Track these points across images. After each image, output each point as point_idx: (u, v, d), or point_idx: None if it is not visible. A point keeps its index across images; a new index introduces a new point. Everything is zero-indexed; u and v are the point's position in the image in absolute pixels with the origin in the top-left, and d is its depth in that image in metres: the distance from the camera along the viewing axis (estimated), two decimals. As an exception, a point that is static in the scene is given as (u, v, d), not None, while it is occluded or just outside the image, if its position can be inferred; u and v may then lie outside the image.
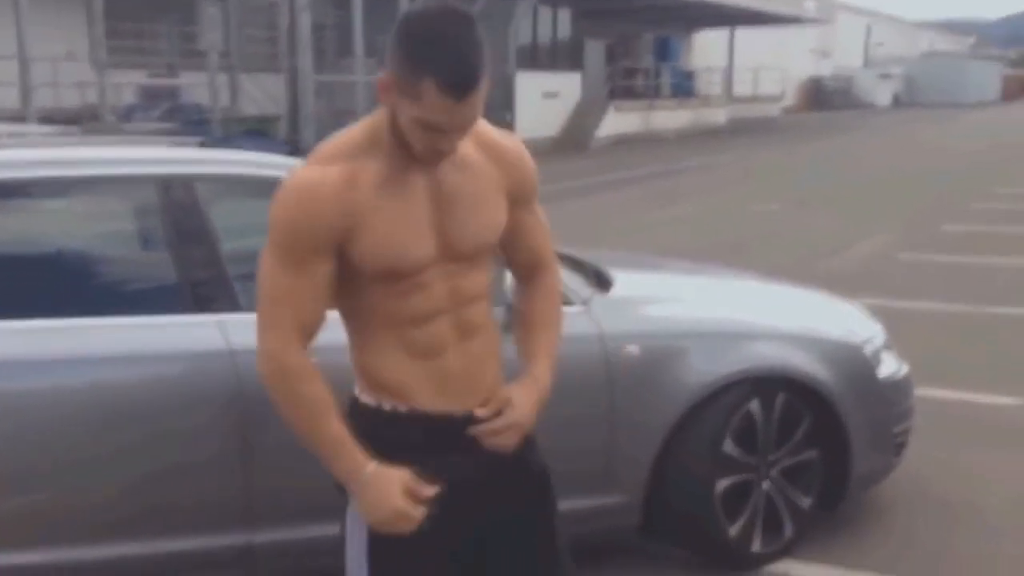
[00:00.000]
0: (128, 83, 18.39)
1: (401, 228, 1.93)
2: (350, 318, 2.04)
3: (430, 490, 1.96)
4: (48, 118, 15.46)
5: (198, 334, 2.88)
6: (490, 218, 2.05)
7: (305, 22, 18.63)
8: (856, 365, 3.69)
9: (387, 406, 2.02)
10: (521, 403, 2.07)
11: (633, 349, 3.30)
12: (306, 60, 18.87)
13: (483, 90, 1.84)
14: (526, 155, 2.15)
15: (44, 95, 16.46)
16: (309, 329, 1.96)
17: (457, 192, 2.00)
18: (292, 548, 2.98)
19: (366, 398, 2.04)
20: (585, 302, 3.34)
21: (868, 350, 3.75)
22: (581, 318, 3.27)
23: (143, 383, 2.84)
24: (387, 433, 2.01)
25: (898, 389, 3.84)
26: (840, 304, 4.17)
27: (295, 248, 1.91)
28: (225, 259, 2.99)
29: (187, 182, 3.00)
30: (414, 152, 1.91)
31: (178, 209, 2.97)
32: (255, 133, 3.96)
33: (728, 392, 3.41)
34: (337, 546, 2.12)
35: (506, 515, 2.12)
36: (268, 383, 1.97)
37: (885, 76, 55.94)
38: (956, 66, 59.54)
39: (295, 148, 2.99)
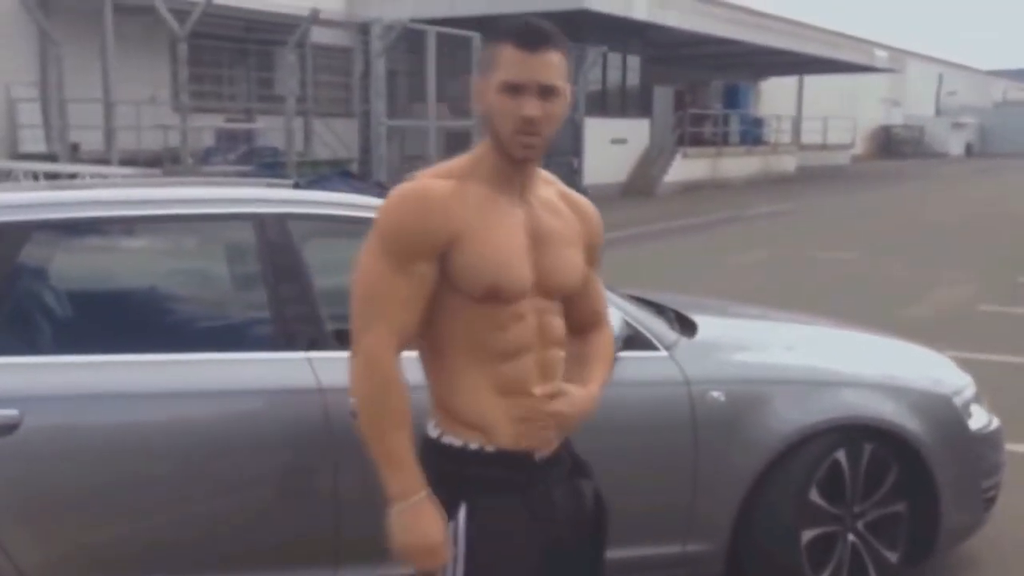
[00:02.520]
0: (206, 127, 18.86)
1: (504, 248, 2.01)
2: (435, 353, 2.08)
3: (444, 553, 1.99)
4: (130, 160, 15.96)
5: (288, 371, 2.93)
6: (576, 261, 2.16)
7: (379, 68, 18.99)
8: (946, 416, 3.61)
9: (474, 445, 2.05)
10: (572, 394, 2.09)
11: (718, 395, 3.27)
12: (379, 105, 19.20)
13: (559, 57, 1.98)
14: (598, 217, 2.28)
15: (126, 137, 16.95)
16: (404, 337, 2.01)
17: (550, 229, 2.10)
18: (376, 586, 2.99)
19: (450, 439, 2.07)
20: (669, 347, 3.32)
21: (958, 401, 3.67)
22: (666, 363, 3.26)
23: (233, 418, 2.88)
24: (475, 472, 2.05)
25: (988, 442, 3.75)
26: (928, 353, 4.10)
27: (400, 249, 1.98)
28: (317, 297, 3.04)
29: (281, 221, 3.06)
30: (505, 141, 2.00)
31: (273, 247, 3.04)
32: (347, 174, 4.02)
33: (815, 441, 3.36)
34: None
35: (570, 544, 2.16)
36: (358, 380, 2.01)
37: (957, 125, 55.12)
38: (1031, 115, 58.44)
39: (385, 189, 3.04)
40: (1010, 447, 4.02)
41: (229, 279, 3.22)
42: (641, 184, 25.27)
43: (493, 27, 2.08)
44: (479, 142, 2.12)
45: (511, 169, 2.05)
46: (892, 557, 3.54)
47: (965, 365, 4.12)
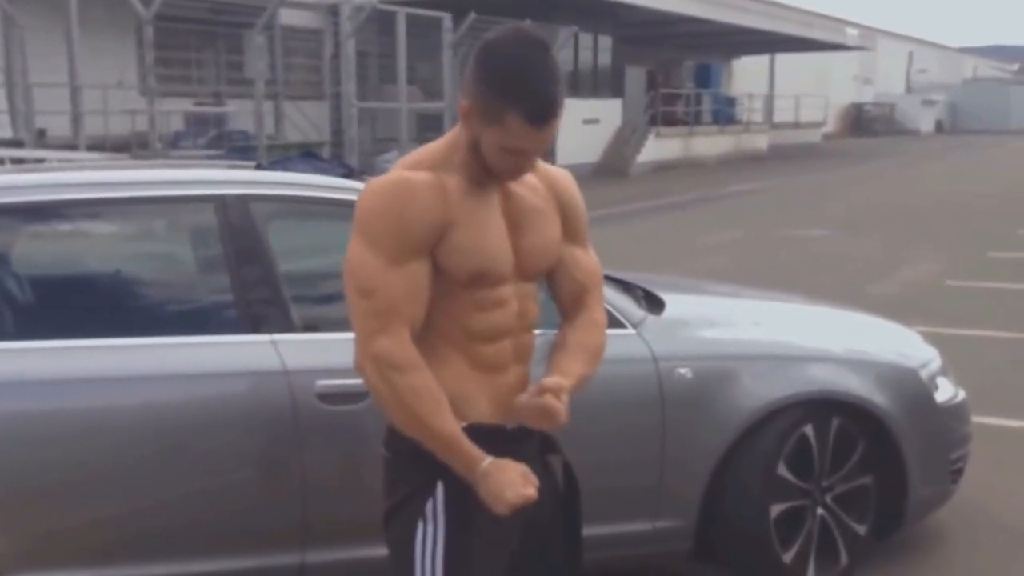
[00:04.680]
0: (176, 111, 18.65)
1: (487, 235, 2.02)
2: (419, 333, 2.04)
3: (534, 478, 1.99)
4: (97, 145, 15.77)
5: (253, 354, 2.90)
6: (552, 236, 2.15)
7: (349, 50, 18.86)
8: (912, 389, 3.63)
9: None
10: (554, 379, 2.04)
11: (686, 372, 3.27)
12: (349, 87, 19.08)
13: (562, 114, 1.94)
14: (574, 184, 2.26)
15: (94, 123, 16.73)
16: (414, 324, 1.99)
17: (525, 207, 2.11)
18: (346, 569, 2.98)
19: None
20: (637, 324, 3.32)
21: (924, 374, 3.69)
22: (633, 340, 3.26)
23: (197, 402, 2.85)
24: None
25: (955, 415, 3.78)
26: (895, 327, 4.12)
27: (400, 245, 1.95)
28: (281, 279, 3.01)
29: (244, 202, 3.03)
30: (494, 172, 2.01)
31: (235, 229, 3.00)
32: (310, 155, 3.96)
33: (782, 416, 3.37)
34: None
35: (545, 520, 2.18)
36: (380, 384, 1.97)
37: (928, 102, 55.44)
38: (999, 92, 58.91)
39: (350, 170, 3.01)
40: (977, 419, 4.05)
41: (192, 262, 3.18)
42: (614, 164, 25.28)
43: (505, 68, 1.91)
44: (452, 127, 2.11)
45: (489, 173, 2.04)
46: (861, 530, 3.56)
47: (932, 339, 4.15)
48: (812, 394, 3.43)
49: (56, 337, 2.83)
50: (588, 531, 3.21)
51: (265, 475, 2.91)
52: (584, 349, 2.17)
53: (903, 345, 3.89)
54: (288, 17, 20.41)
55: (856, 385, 3.50)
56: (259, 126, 17.83)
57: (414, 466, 2.05)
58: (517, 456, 2.05)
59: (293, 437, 2.88)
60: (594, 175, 23.94)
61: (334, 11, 19.66)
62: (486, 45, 1.95)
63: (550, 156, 22.26)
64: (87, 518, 2.79)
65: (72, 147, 15.53)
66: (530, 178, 2.13)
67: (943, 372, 3.82)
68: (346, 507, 2.91)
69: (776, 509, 3.38)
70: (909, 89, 58.67)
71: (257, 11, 17.62)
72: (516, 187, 2.10)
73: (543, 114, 1.91)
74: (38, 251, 3.05)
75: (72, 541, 2.79)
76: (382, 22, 19.63)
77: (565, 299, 2.23)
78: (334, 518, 2.94)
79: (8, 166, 12.83)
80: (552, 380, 2.02)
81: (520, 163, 1.99)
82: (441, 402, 1.98)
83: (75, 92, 16.19)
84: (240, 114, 19.10)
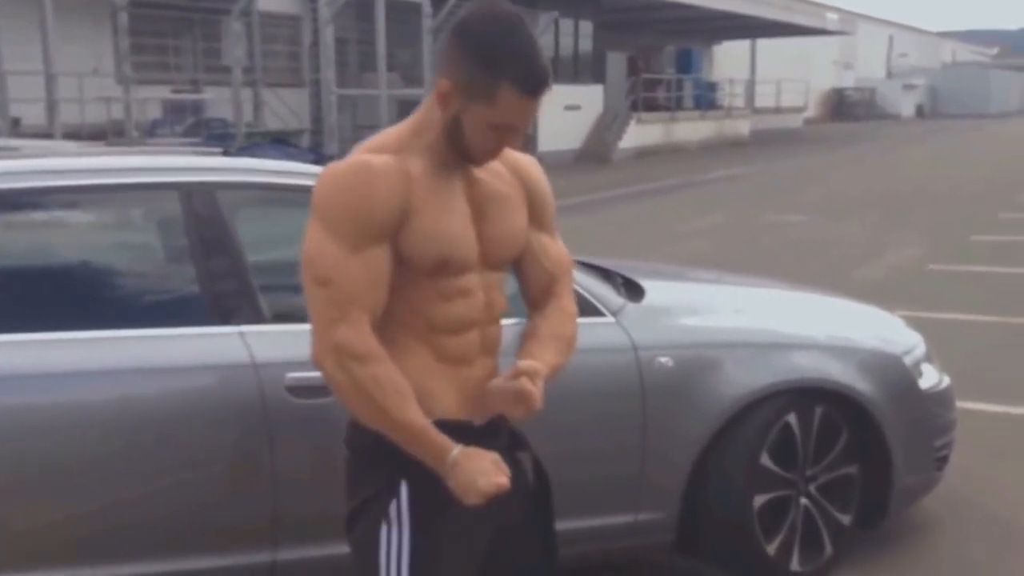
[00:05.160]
0: (153, 98, 18.44)
1: (450, 221, 1.94)
2: (379, 324, 1.95)
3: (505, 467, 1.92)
4: (73, 134, 15.55)
5: (220, 346, 2.81)
6: (517, 223, 2.08)
7: (328, 36, 18.71)
8: (896, 376, 3.57)
9: None
10: (529, 362, 1.96)
11: (666, 360, 3.20)
12: (329, 74, 18.95)
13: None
14: (541, 171, 2.18)
15: (69, 111, 16.52)
16: (374, 312, 1.91)
17: (490, 194, 2.03)
18: (316, 566, 2.89)
19: None
20: (616, 312, 3.24)
21: (908, 360, 3.64)
22: (612, 329, 3.18)
23: (163, 396, 2.76)
24: None
25: (940, 401, 3.72)
26: (878, 313, 4.06)
27: (360, 231, 1.87)
28: (249, 269, 2.91)
29: (209, 190, 2.93)
30: (473, 154, 1.94)
31: (200, 218, 2.90)
32: (280, 141, 3.87)
33: (764, 404, 3.30)
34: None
35: (516, 519, 2.10)
36: (339, 375, 1.88)
37: (908, 87, 55.58)
38: (979, 76, 59.18)
39: (320, 156, 2.92)
40: (962, 404, 4.01)
41: (157, 252, 3.07)
42: (596, 150, 25.20)
43: (491, 38, 1.86)
44: (417, 111, 2.02)
45: (459, 155, 1.96)
46: (845, 520, 3.51)
47: (914, 323, 4.10)
48: (795, 382, 3.36)
49: (13, 331, 2.72)
50: (568, 524, 3.15)
51: (234, 471, 2.81)
52: (556, 338, 2.09)
53: (886, 331, 3.83)
54: (266, 3, 20.21)
55: (839, 372, 3.44)
56: (237, 114, 17.68)
57: (376, 465, 1.97)
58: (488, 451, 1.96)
59: (262, 432, 2.79)
60: (576, 161, 23.87)
61: (313, -3, 19.47)
62: (465, 22, 1.90)
63: (531, 143, 22.24)
64: (50, 517, 2.69)
65: (47, 136, 15.32)
66: (495, 164, 2.05)
67: (927, 358, 3.76)
68: (318, 503, 2.81)
69: (759, 500, 3.32)
70: (889, 74, 58.80)
71: (234, -3, 17.43)
72: (480, 173, 2.02)
73: (538, 83, 1.87)
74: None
75: (34, 540, 2.69)
76: (361, 8, 19.47)
77: (534, 289, 2.15)
78: (305, 515, 2.86)
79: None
80: (527, 363, 1.94)
81: (505, 140, 1.94)
82: (405, 392, 1.89)
83: (50, 80, 15.97)
84: (218, 101, 18.94)
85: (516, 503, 2.04)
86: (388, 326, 1.94)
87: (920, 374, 3.65)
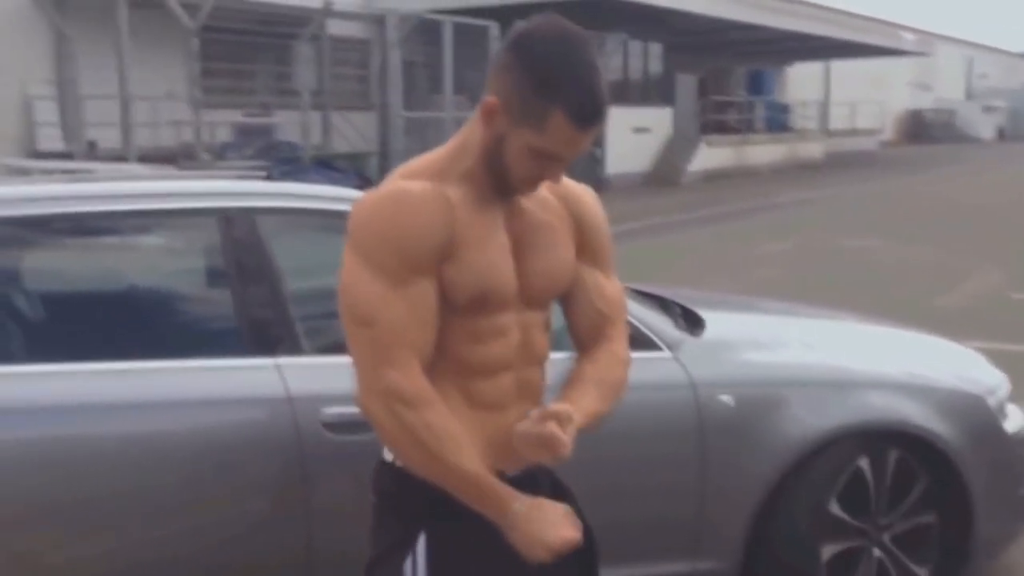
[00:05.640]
0: (224, 122, 18.69)
1: (492, 252, 1.80)
2: None
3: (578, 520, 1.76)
4: (147, 156, 15.81)
5: (256, 379, 2.69)
6: (563, 258, 1.89)
7: (395, 60, 18.81)
8: (979, 418, 3.32)
9: None
10: (561, 405, 1.78)
11: (727, 399, 3.00)
12: (396, 97, 19.03)
13: (604, 119, 1.73)
14: (596, 201, 1.99)
15: (143, 134, 16.82)
16: (424, 352, 1.75)
17: (533, 225, 1.86)
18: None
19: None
20: (673, 347, 3.05)
21: (992, 401, 3.38)
22: (669, 364, 3.00)
23: (194, 430, 2.65)
24: (436, 496, 1.78)
25: (1026, 445, 3.45)
26: (959, 349, 3.80)
27: (402, 264, 1.71)
28: (288, 298, 2.79)
29: (249, 216, 2.82)
30: (512, 181, 1.77)
31: (239, 245, 2.80)
32: (324, 165, 3.80)
33: (834, 448, 3.08)
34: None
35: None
36: (389, 422, 1.72)
37: (988, 109, 54.17)
38: (1063, 98, 57.43)
39: (365, 181, 2.85)
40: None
41: (192, 280, 2.98)
42: (665, 173, 24.91)
43: (551, 62, 1.70)
44: (457, 135, 1.86)
45: (499, 182, 1.80)
46: (921, 573, 3.25)
47: (997, 357, 3.83)
48: (867, 424, 3.14)
49: (48, 361, 2.65)
50: (621, 571, 2.98)
51: (267, 508, 2.69)
52: (601, 384, 1.89)
53: (968, 369, 3.57)
54: (335, 27, 20.39)
55: (916, 414, 3.19)
56: (306, 137, 17.82)
57: (396, 513, 1.82)
58: None
59: (297, 468, 2.66)
60: (644, 184, 23.62)
61: (381, 21, 19.58)
62: (526, 35, 1.72)
63: (599, 165, 22.09)
64: (71, 554, 2.59)
65: (122, 158, 15.60)
66: (542, 192, 1.87)
67: (1012, 398, 3.49)
68: (353, 542, 2.66)
69: (828, 550, 3.09)
70: (969, 95, 57.45)
71: (304, 21, 17.61)
72: (524, 201, 1.84)
73: (592, 113, 1.70)
74: (29, 268, 2.86)
75: (70, 573, 2.59)
76: (429, 31, 19.54)
77: (584, 330, 1.96)
78: (340, 554, 2.70)
79: (69, 176, 12.87)
80: (557, 407, 1.76)
81: (548, 170, 1.77)
82: (460, 438, 1.74)
83: (125, 104, 16.27)
84: (288, 125, 19.12)
85: (553, 565, 1.84)
86: None
87: (1005, 416, 3.40)
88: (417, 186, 1.75)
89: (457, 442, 1.73)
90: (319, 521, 2.70)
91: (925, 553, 3.26)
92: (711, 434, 2.98)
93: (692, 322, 3.35)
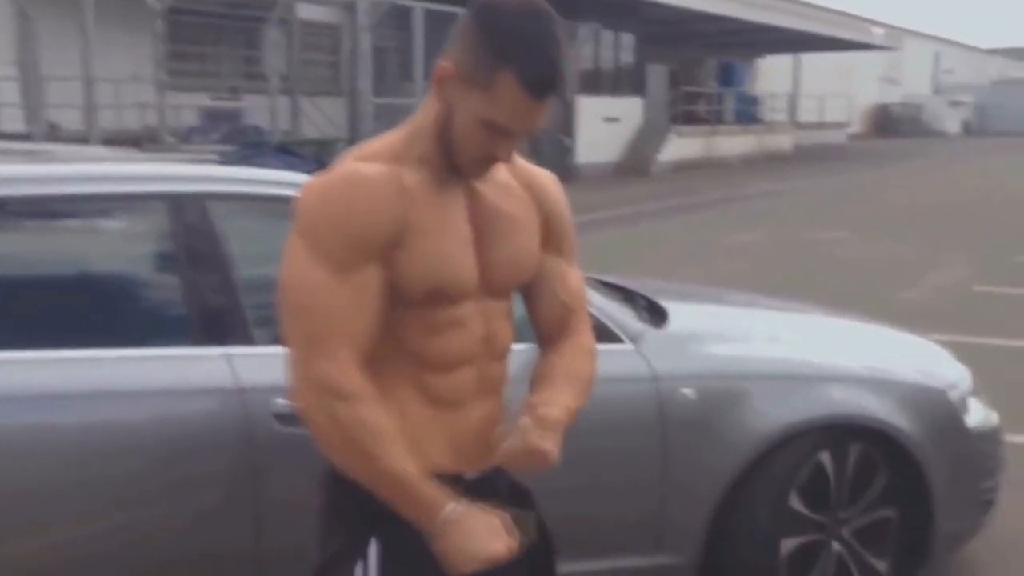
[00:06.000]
0: (190, 105, 18.45)
1: (449, 242, 1.70)
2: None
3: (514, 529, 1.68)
4: (110, 139, 15.57)
5: (204, 369, 2.61)
6: (526, 245, 1.80)
7: (366, 45, 18.64)
8: (940, 412, 3.30)
9: None
10: (544, 410, 1.72)
11: (689, 392, 2.96)
12: (366, 83, 18.86)
13: (561, 96, 1.62)
14: (560, 189, 1.89)
15: (107, 116, 16.57)
16: (362, 347, 1.65)
17: (494, 212, 1.76)
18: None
19: None
20: (635, 339, 3.01)
21: (954, 395, 3.36)
22: (631, 357, 2.95)
23: (141, 421, 2.56)
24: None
25: (987, 440, 3.44)
26: (923, 343, 3.78)
27: (349, 249, 1.62)
28: (239, 287, 2.72)
29: (199, 201, 2.74)
30: (460, 160, 1.67)
31: (190, 231, 2.71)
32: (283, 150, 3.74)
33: (795, 442, 3.05)
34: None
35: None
36: (319, 416, 1.64)
37: (955, 104, 54.70)
38: (1028, 94, 58.02)
39: (323, 167, 2.80)
40: (1007, 438, 3.71)
41: (139, 267, 2.87)
42: (635, 163, 24.90)
43: (502, 24, 1.61)
44: (412, 117, 1.76)
45: (455, 165, 1.70)
46: (881, 567, 3.24)
47: (959, 349, 3.82)
48: (829, 418, 3.11)
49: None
50: (582, 566, 2.94)
51: (217, 500, 2.62)
52: (574, 379, 1.82)
53: (930, 363, 3.55)
54: (305, 11, 20.17)
55: (878, 408, 3.17)
56: (274, 122, 17.63)
57: (346, 516, 1.73)
58: None
59: (246, 461, 2.59)
60: (614, 174, 23.61)
61: (351, 6, 19.39)
62: (484, 4, 1.63)
63: (568, 154, 22.01)
64: (26, 544, 2.51)
65: (84, 141, 15.35)
66: (505, 177, 1.78)
67: (974, 393, 3.48)
68: (302, 535, 2.61)
69: (788, 544, 3.06)
70: (936, 90, 57.93)
71: (274, 5, 17.40)
72: (485, 188, 1.75)
73: (542, 80, 1.59)
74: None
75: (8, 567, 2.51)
76: (400, 17, 19.38)
77: (548, 322, 1.88)
78: (289, 550, 2.64)
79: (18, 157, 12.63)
80: (536, 416, 1.68)
81: (497, 147, 1.65)
82: (394, 437, 1.64)
83: (88, 85, 16.01)
84: (256, 109, 18.90)
85: (511, 571, 1.76)
86: (369, 363, 1.69)
87: (967, 410, 3.38)
88: (371, 168, 1.66)
89: (390, 440, 1.64)
90: (269, 512, 2.63)
91: (884, 547, 3.24)
92: (672, 428, 2.94)
93: (655, 314, 3.30)
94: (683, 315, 3.35)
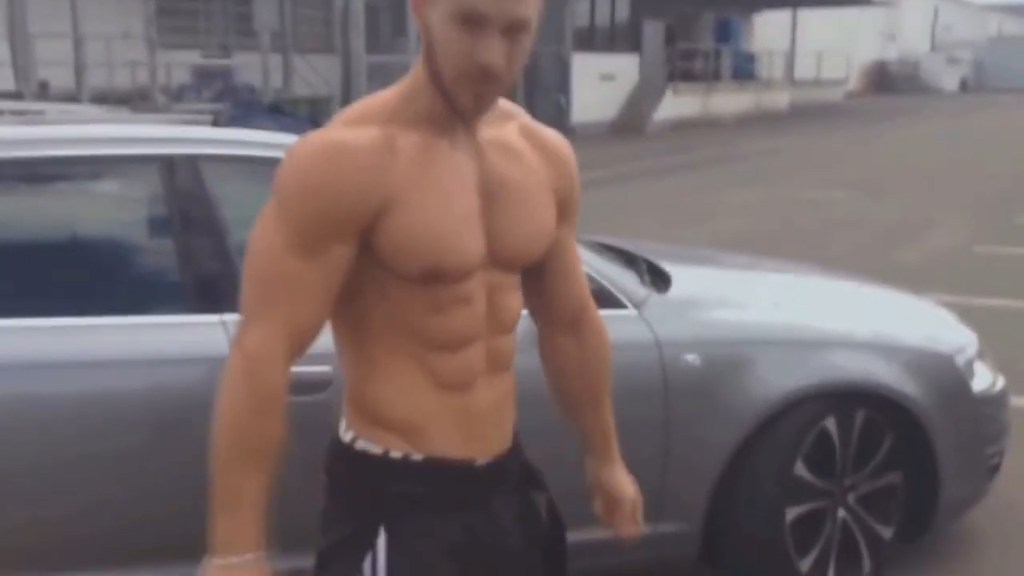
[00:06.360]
0: (181, 63, 18.25)
1: (447, 212, 1.54)
2: (354, 336, 1.61)
3: None
4: (101, 98, 15.41)
5: (200, 336, 2.56)
6: (541, 216, 1.66)
7: (358, 3, 18.39)
8: (946, 377, 3.26)
9: (397, 453, 1.60)
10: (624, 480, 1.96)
11: (693, 359, 2.91)
12: (359, 41, 18.64)
13: None
14: (573, 158, 1.76)
15: (97, 75, 16.39)
16: (301, 337, 1.52)
17: (506, 179, 1.61)
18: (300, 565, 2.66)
19: (365, 444, 1.62)
20: (639, 305, 2.95)
21: (960, 360, 3.32)
22: (634, 323, 2.90)
23: (136, 390, 2.52)
24: (396, 488, 1.61)
25: (993, 405, 3.41)
26: (928, 307, 3.74)
27: (313, 222, 1.48)
28: (235, 252, 2.65)
29: (192, 163, 2.67)
30: (449, 84, 1.50)
31: (182, 194, 2.65)
32: (275, 110, 3.64)
33: (800, 408, 3.01)
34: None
35: (518, 570, 1.73)
36: (230, 386, 1.51)
37: (952, 60, 54.37)
38: (1027, 50, 57.73)
39: (317, 126, 2.74)
40: (1011, 402, 3.66)
41: (132, 232, 2.81)
42: (630, 121, 24.75)
43: None
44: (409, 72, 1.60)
45: (452, 114, 1.55)
46: (886, 533, 3.22)
47: (960, 310, 3.77)
48: (834, 384, 3.07)
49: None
50: (583, 536, 2.90)
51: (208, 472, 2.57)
52: (606, 380, 1.88)
53: (936, 327, 3.51)
54: (297, -33, 19.93)
55: (883, 373, 3.13)
56: (266, 80, 17.46)
57: (352, 501, 1.63)
58: (491, 498, 1.67)
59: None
60: (610, 133, 23.48)
61: (344, -39, 19.15)
62: None
63: (564, 113, 21.86)
64: (22, 515, 2.47)
65: (74, 99, 15.19)
66: (516, 143, 1.64)
67: (980, 357, 3.44)
68: (303, 505, 2.58)
69: (792, 512, 3.03)
70: (934, 47, 57.58)
71: (265, -39, 17.15)
72: (497, 156, 1.60)
73: None
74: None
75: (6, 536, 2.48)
76: (393, -27, 19.15)
77: (569, 302, 1.78)
78: (288, 517, 2.60)
79: (7, 118, 12.51)
80: (621, 492, 1.94)
81: (479, 49, 1.45)
82: (266, 453, 1.52)
83: (78, 43, 15.82)
84: (248, 67, 18.69)
85: (522, 555, 1.70)
86: (367, 344, 1.59)
87: (973, 375, 3.34)
88: (356, 135, 1.51)
89: (265, 454, 1.52)
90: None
91: (889, 514, 3.21)
92: (676, 394, 2.90)
93: (658, 278, 3.25)
94: (686, 280, 3.29)
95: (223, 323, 2.56)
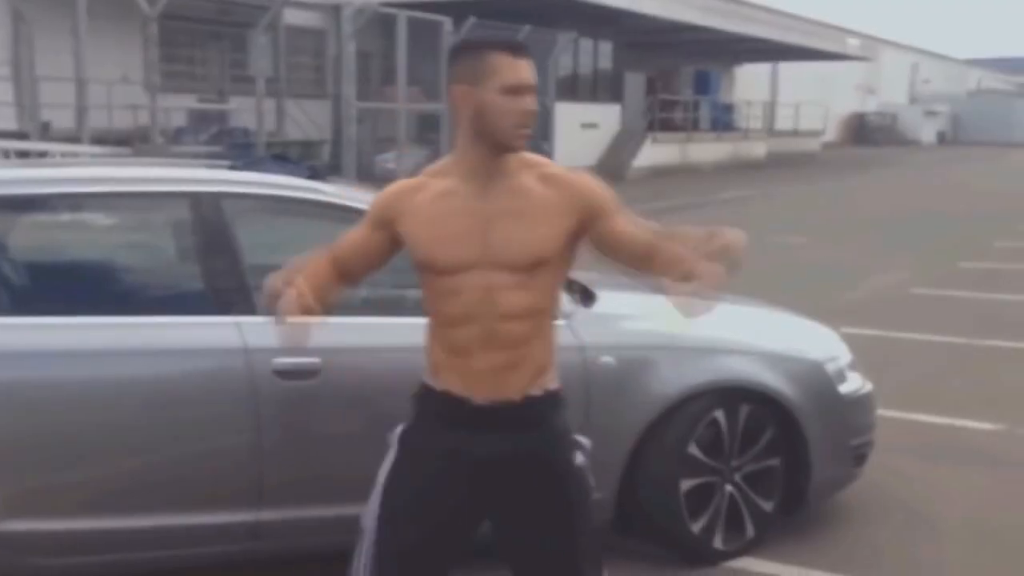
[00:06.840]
0: (179, 107, 19.04)
1: (439, 228, 2.38)
2: (425, 308, 2.51)
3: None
4: (101, 139, 16.13)
5: (218, 333, 3.30)
6: (539, 232, 2.37)
7: (350, 51, 19.22)
8: (817, 381, 4.03)
9: (430, 382, 2.50)
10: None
11: (609, 359, 3.66)
12: (350, 87, 19.43)
13: (527, 55, 2.36)
14: (592, 181, 2.50)
15: (98, 116, 17.10)
16: (340, 261, 2.55)
17: (507, 210, 2.39)
18: (295, 526, 3.37)
19: (424, 377, 2.53)
20: (567, 316, 3.70)
21: (830, 368, 4.08)
22: (563, 331, 3.63)
23: (167, 374, 3.25)
24: (426, 404, 2.52)
25: (858, 404, 4.17)
26: (811, 325, 4.51)
27: (369, 215, 2.55)
28: (246, 269, 3.40)
29: (215, 199, 3.43)
30: (505, 135, 2.34)
31: (206, 223, 3.40)
32: (281, 157, 4.27)
33: (694, 401, 3.76)
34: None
35: (522, 505, 2.48)
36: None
37: (930, 113, 55.64)
38: (1004, 104, 59.05)
39: (314, 172, 3.30)
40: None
41: (167, 251, 3.59)
42: (611, 168, 25.53)
43: (469, 40, 2.55)
44: (450, 127, 2.59)
45: (495, 158, 2.35)
46: (767, 506, 3.95)
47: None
48: (723, 383, 3.83)
49: (46, 314, 3.23)
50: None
51: (227, 442, 3.29)
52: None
53: (814, 341, 4.27)
54: (292, 17, 20.80)
55: (765, 376, 3.89)
56: (260, 124, 18.21)
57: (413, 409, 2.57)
58: (480, 429, 2.43)
59: (251, 407, 3.27)
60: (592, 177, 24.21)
61: (336, 12, 20.03)
62: (459, 42, 2.52)
63: (547, 158, 22.61)
64: (67, 478, 3.18)
65: (75, 140, 15.89)
66: (528, 185, 2.38)
67: (851, 366, 4.20)
68: (297, 471, 3.31)
69: (686, 484, 3.77)
70: (912, 99, 58.87)
71: (262, 11, 18.00)
72: (504, 195, 2.37)
73: (518, 47, 2.36)
74: (29, 239, 3.45)
75: (57, 496, 3.18)
76: (384, 24, 20.01)
77: (640, 263, 2.47)
78: (286, 481, 3.33)
79: (12, 159, 13.23)
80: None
81: (522, 104, 2.31)
82: (316, 271, 2.52)
83: (80, 86, 16.54)
84: (242, 111, 19.47)
85: (531, 490, 2.48)
86: (426, 311, 2.50)
87: (842, 380, 4.10)
88: (412, 181, 2.50)
89: (314, 264, 2.55)
90: (268, 451, 3.30)
91: (770, 490, 3.96)
92: (595, 388, 3.63)
93: (587, 297, 4.00)
94: (609, 299, 4.05)
95: (236, 324, 3.31)
